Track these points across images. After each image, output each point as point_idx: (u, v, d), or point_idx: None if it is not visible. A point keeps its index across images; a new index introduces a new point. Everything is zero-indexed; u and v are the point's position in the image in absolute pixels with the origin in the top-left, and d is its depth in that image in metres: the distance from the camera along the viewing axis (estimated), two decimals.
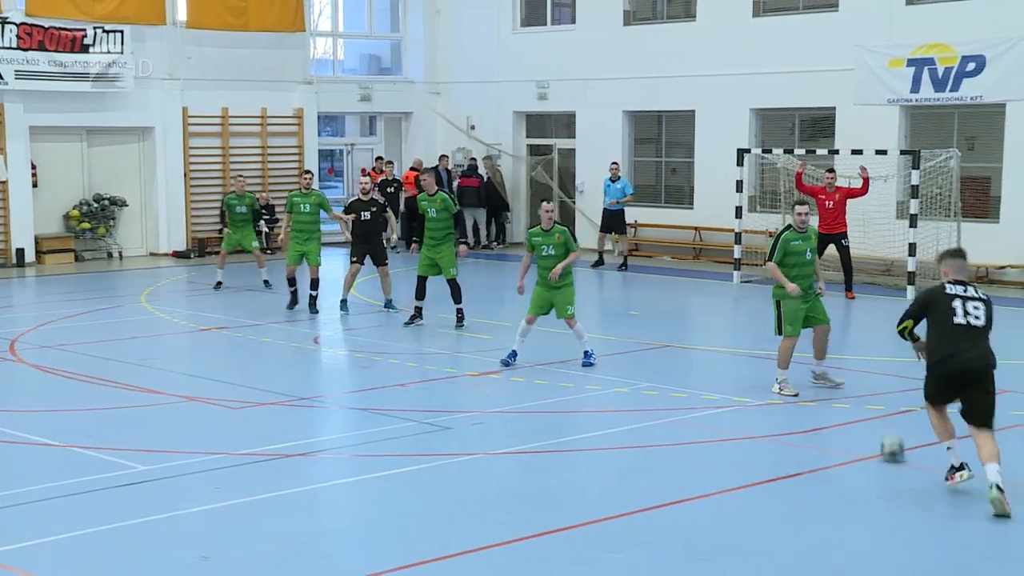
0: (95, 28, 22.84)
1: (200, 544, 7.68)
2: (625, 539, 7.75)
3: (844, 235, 18.52)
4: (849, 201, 18.59)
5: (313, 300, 16.88)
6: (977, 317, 8.71)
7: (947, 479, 8.82)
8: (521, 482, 9.16)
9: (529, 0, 26.63)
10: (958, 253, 9.22)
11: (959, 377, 8.65)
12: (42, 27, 22.31)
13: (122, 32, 23.10)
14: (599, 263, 22.46)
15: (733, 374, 13.32)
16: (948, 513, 8.49)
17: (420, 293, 15.77)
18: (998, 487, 8.22)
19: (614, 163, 22.95)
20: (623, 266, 22.32)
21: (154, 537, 7.83)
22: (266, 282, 19.38)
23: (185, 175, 24.56)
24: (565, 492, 8.90)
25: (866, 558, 7.56)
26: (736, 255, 20.67)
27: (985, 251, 19.59)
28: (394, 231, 17.48)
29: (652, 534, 7.86)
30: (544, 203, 13.49)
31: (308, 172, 17.91)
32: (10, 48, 21.99)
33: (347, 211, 17.08)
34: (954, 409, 8.78)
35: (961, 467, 8.75)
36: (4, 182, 22.43)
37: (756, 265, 21.30)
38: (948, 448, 8.85)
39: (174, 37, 24.09)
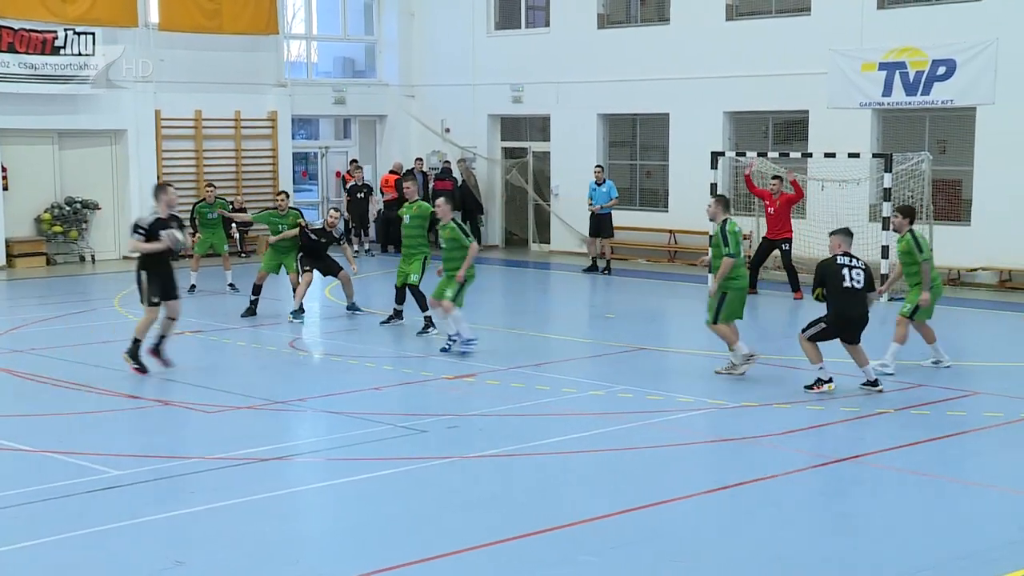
0: (66, 30, 22.69)
1: (174, 549, 7.64)
2: (601, 541, 7.76)
3: (787, 240, 19.03)
4: (822, 205, 18.70)
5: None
6: (859, 281, 11.71)
7: (812, 388, 11.80)
8: (497, 485, 9.16)
9: (503, 3, 26.64)
10: (846, 231, 12.07)
11: (848, 325, 11.74)
12: (12, 29, 22.14)
13: (93, 34, 22.96)
14: (593, 268, 22.34)
15: (708, 376, 13.35)
16: (923, 513, 8.54)
17: (399, 299, 15.84)
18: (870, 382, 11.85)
19: (598, 167, 22.93)
20: (607, 270, 22.25)
21: (128, 542, 7.79)
22: (231, 285, 19.31)
23: (158, 178, 24.34)
24: (541, 495, 8.91)
25: (841, 559, 7.60)
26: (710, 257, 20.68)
27: (957, 254, 19.73)
28: (352, 263, 17.14)
29: (628, 536, 7.88)
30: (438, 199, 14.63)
31: (284, 194, 17.85)
32: None
33: (308, 228, 16.82)
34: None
35: (829, 380, 11.78)
36: None
37: None
38: (820, 368, 11.81)
39: (146, 39, 23.94)
